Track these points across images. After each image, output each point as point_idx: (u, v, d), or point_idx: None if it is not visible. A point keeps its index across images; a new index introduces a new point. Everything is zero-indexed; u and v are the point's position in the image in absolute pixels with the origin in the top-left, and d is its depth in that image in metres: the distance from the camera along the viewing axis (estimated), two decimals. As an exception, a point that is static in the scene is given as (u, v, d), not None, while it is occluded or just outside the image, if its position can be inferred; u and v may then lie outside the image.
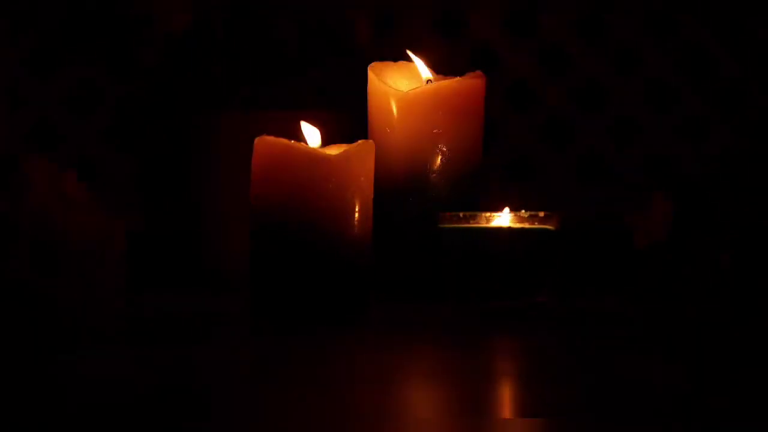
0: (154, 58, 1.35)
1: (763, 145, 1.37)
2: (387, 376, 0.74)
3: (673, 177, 1.37)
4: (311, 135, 1.00)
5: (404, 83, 1.12)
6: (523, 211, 0.97)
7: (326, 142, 1.00)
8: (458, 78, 1.09)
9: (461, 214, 0.98)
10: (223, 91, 1.30)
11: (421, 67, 1.11)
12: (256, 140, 0.96)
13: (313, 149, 0.97)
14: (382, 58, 1.12)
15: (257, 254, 0.96)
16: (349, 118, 1.18)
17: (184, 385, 0.70)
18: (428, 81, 1.10)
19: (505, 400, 0.68)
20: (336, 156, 0.96)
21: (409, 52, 1.11)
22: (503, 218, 0.97)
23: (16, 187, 0.84)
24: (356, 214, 0.96)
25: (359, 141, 0.98)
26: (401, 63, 1.13)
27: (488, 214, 0.98)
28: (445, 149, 1.08)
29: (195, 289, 1.24)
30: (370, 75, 1.10)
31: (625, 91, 1.38)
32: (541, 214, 0.97)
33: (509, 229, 0.97)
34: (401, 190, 1.08)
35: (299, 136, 0.99)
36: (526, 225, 0.97)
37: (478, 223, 0.98)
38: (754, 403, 0.65)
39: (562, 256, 1.02)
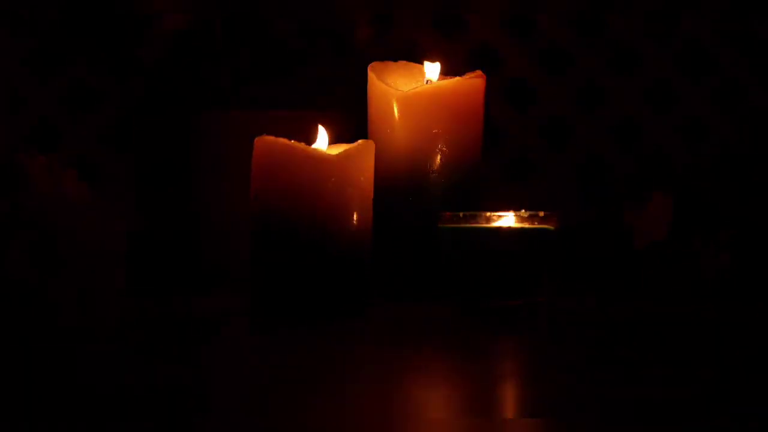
0: (155, 57, 1.35)
1: (763, 145, 1.37)
2: (386, 376, 0.74)
3: (673, 177, 1.37)
4: (322, 138, 1.00)
5: (404, 83, 1.12)
6: (523, 211, 0.97)
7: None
8: (458, 78, 1.09)
9: (461, 214, 0.98)
10: (223, 90, 1.30)
11: (430, 70, 1.10)
12: (256, 140, 0.96)
13: (313, 149, 0.97)
14: (382, 58, 1.12)
15: (257, 253, 0.96)
16: (349, 118, 1.18)
17: (185, 385, 0.70)
18: (428, 81, 1.10)
19: (504, 399, 0.68)
20: (336, 156, 0.96)
21: (426, 63, 1.10)
22: (507, 219, 0.97)
23: (17, 187, 0.84)
24: (356, 214, 0.96)
25: (359, 141, 0.98)
26: (401, 63, 1.13)
27: (488, 214, 0.98)
28: (445, 149, 1.08)
29: (195, 289, 1.24)
30: (370, 75, 1.10)
31: (625, 91, 1.38)
32: (541, 214, 0.97)
33: (509, 229, 0.97)
34: (401, 190, 1.08)
35: (300, 136, 0.98)
36: (526, 225, 0.97)
37: (478, 223, 0.98)
38: (755, 403, 0.65)
39: (562, 256, 1.02)
